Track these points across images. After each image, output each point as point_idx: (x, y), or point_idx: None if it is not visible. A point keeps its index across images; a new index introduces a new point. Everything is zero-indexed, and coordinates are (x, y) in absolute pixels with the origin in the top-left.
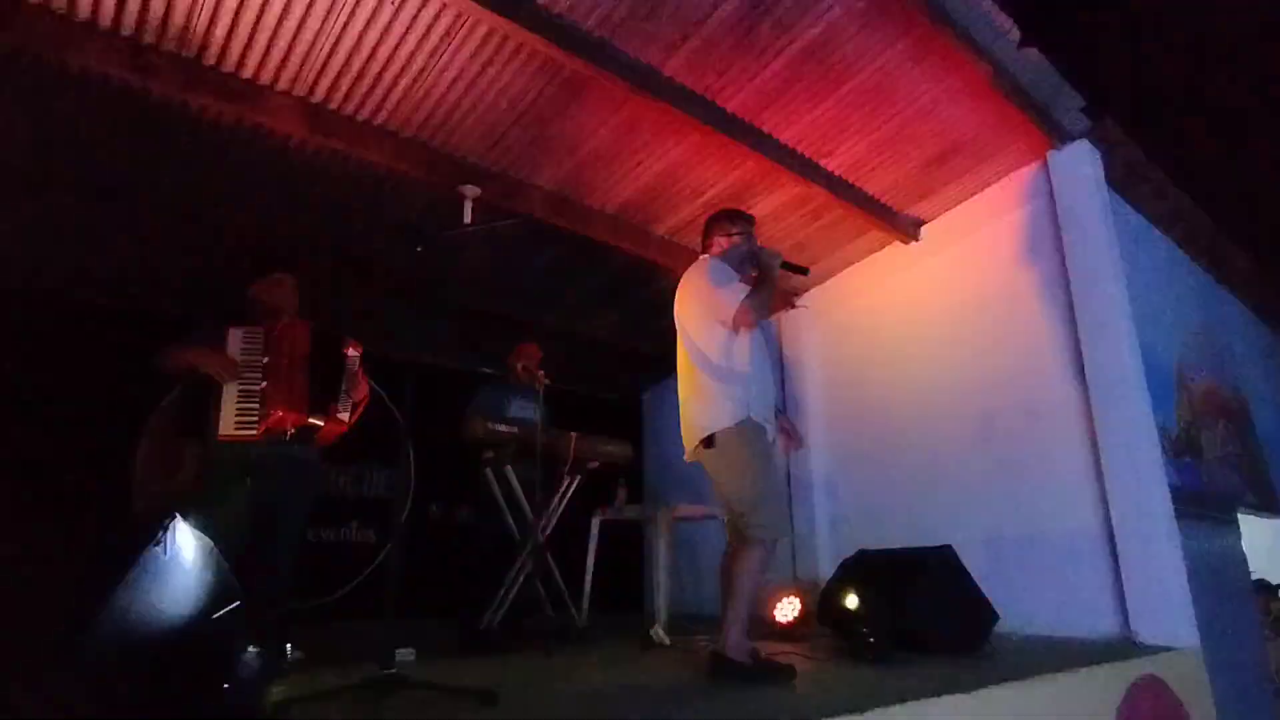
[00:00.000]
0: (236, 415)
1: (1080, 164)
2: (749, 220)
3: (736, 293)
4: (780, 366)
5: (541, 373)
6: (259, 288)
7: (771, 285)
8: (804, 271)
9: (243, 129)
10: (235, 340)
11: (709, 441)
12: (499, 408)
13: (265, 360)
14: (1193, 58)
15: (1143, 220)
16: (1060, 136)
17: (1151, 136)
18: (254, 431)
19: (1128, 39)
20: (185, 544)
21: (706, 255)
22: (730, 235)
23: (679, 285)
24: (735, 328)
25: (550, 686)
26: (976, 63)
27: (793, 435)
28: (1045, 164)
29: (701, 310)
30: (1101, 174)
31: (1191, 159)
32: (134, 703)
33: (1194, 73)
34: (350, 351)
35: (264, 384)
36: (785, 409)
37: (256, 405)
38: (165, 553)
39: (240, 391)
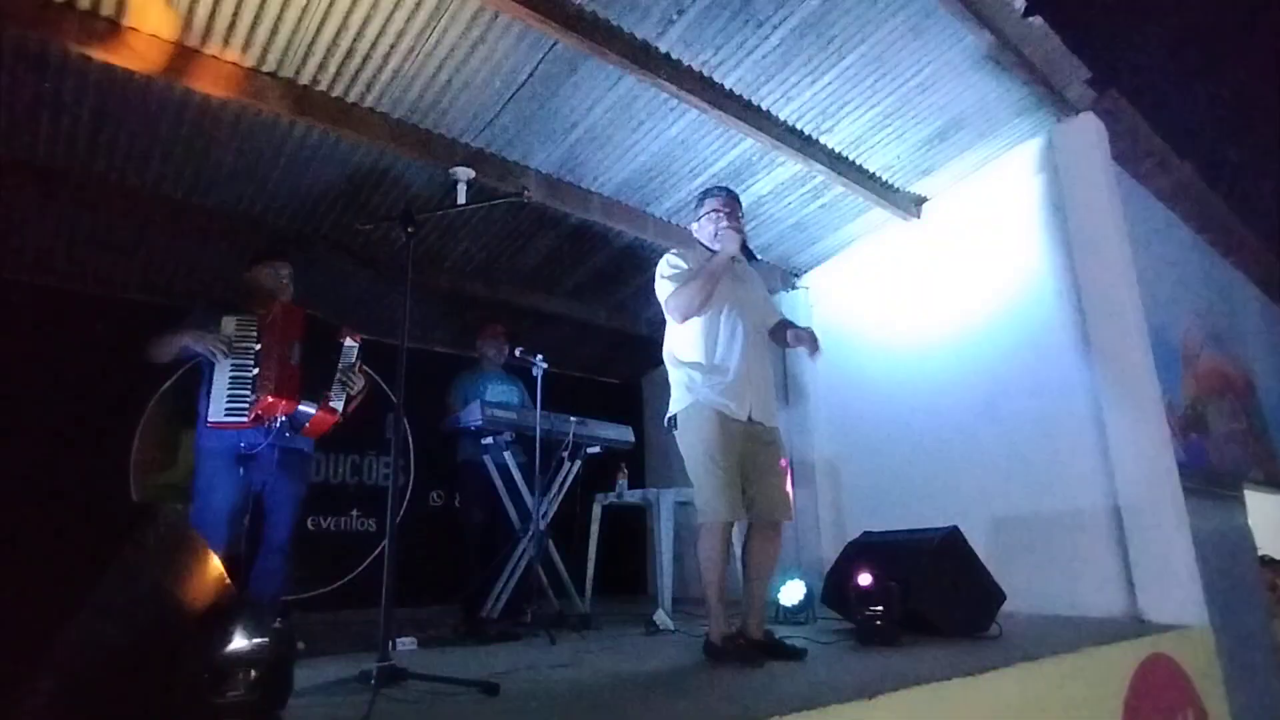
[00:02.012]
0: (228, 402)
1: (1085, 138)
2: (716, 195)
3: (667, 286)
4: (781, 347)
5: (519, 350)
6: (251, 275)
7: (707, 276)
8: (752, 257)
9: (228, 112)
10: (229, 327)
11: (670, 423)
12: (477, 394)
13: (258, 347)
14: (1200, 29)
15: (1148, 194)
16: (1065, 109)
17: (1156, 109)
18: (244, 419)
19: (1134, 9)
20: (172, 534)
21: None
22: (699, 218)
23: None
24: (670, 316)
25: (553, 675)
26: (980, 34)
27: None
28: (1049, 138)
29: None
30: (1107, 148)
31: (1197, 132)
32: (116, 698)
33: (1201, 45)
34: (348, 341)
35: (255, 370)
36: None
37: (248, 392)
38: (150, 543)
39: (232, 378)
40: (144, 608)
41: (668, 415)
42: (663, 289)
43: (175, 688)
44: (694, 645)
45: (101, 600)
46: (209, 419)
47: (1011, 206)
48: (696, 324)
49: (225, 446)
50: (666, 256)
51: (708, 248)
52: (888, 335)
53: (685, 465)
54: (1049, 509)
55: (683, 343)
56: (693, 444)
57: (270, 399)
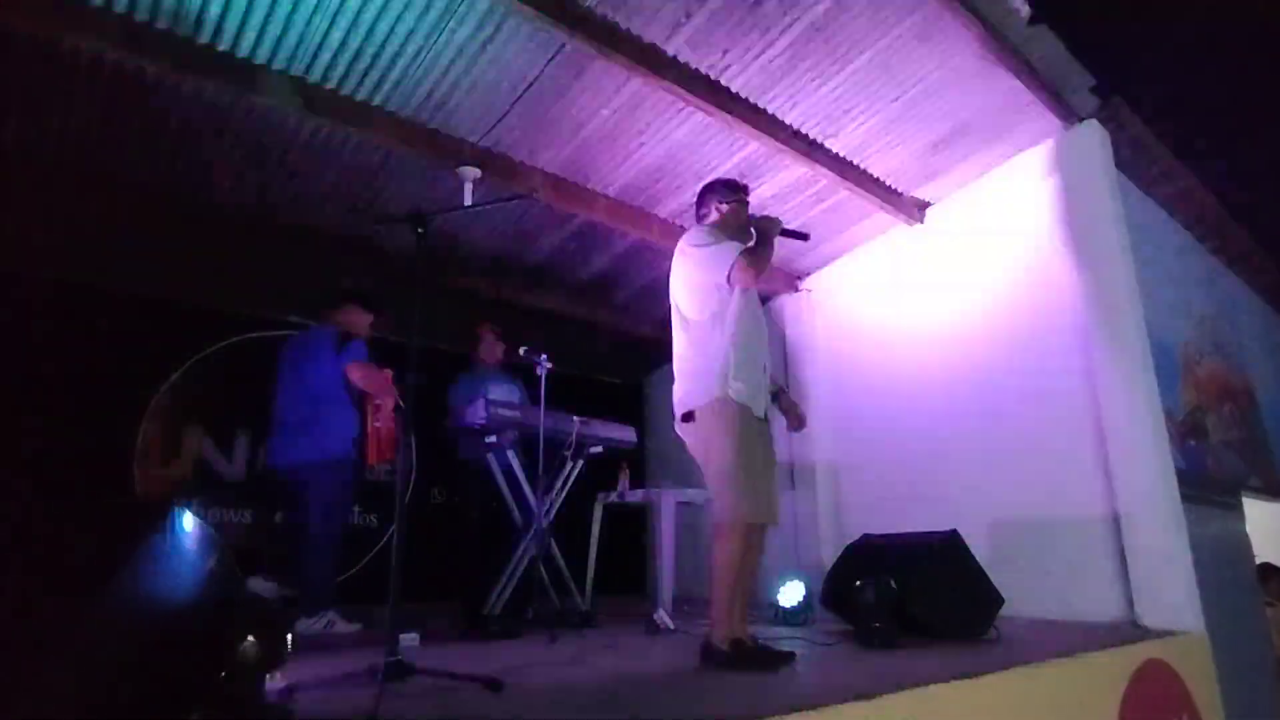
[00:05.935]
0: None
1: (1089, 145)
2: (744, 189)
3: (731, 249)
4: (783, 350)
5: (523, 350)
6: (348, 311)
7: (768, 245)
8: (804, 237)
9: (237, 110)
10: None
11: (687, 416)
12: (479, 393)
13: (376, 402)
14: (1207, 39)
15: (1151, 202)
16: (1069, 117)
17: (1159, 117)
18: (372, 460)
19: (1138, 17)
20: (190, 531)
21: (698, 224)
22: (728, 202)
23: (673, 260)
24: (732, 284)
25: (555, 673)
26: (985, 40)
27: (790, 415)
28: (1053, 145)
29: (691, 276)
30: (1111, 155)
31: (1199, 141)
32: (132, 692)
33: (1204, 53)
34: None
35: (377, 424)
36: (788, 390)
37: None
38: (169, 539)
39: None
40: (162, 603)
41: (684, 406)
42: (719, 252)
43: (189, 681)
44: (694, 645)
45: (119, 595)
46: (369, 460)
47: (1014, 213)
48: (732, 314)
49: None
50: (702, 228)
51: (729, 234)
52: (890, 339)
53: (702, 459)
54: (1048, 514)
55: (713, 330)
56: (720, 437)
57: (387, 455)
